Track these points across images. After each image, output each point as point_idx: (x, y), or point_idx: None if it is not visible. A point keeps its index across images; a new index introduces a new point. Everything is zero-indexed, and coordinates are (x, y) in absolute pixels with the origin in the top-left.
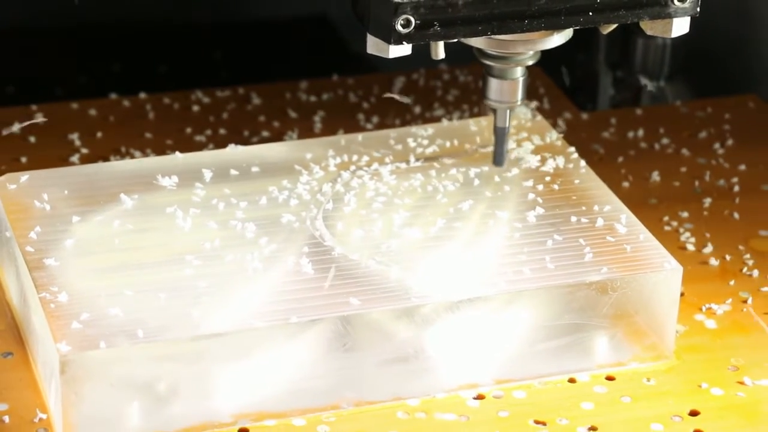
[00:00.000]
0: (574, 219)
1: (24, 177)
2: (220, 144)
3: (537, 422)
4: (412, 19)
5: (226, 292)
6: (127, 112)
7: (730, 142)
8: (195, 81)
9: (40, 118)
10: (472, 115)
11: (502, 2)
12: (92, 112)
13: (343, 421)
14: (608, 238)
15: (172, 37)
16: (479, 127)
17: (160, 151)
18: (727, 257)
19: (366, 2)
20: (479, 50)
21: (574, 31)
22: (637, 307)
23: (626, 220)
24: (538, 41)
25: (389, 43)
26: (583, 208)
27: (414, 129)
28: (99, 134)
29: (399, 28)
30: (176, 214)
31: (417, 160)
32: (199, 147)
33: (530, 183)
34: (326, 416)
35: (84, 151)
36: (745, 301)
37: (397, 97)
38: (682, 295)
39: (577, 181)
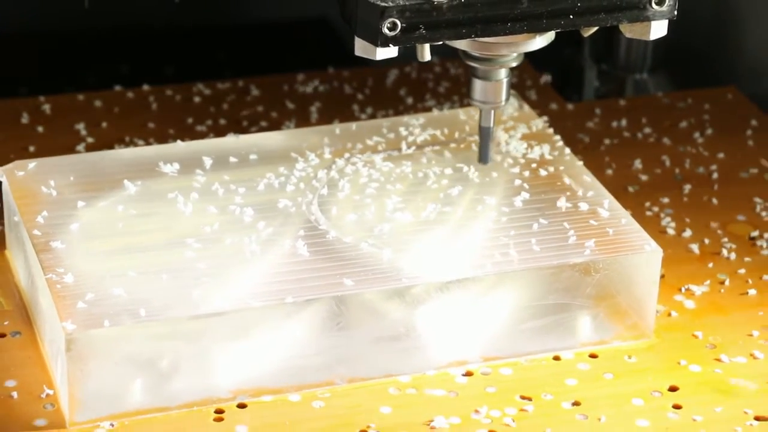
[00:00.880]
0: (559, 204)
1: (31, 164)
2: (221, 133)
3: (523, 398)
4: (398, 23)
5: (225, 274)
6: (131, 103)
7: (709, 131)
8: (197, 75)
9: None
10: (462, 106)
11: (485, 6)
12: (98, 103)
13: (337, 397)
14: (591, 222)
15: (177, 38)
16: (468, 116)
17: (163, 140)
18: (706, 241)
19: (353, 6)
20: (464, 52)
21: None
22: (618, 287)
23: (609, 205)
24: (521, 43)
25: (376, 45)
26: (568, 193)
27: (406, 118)
28: (104, 124)
29: (385, 31)
30: (177, 200)
31: (409, 147)
32: (200, 136)
33: (517, 170)
34: (321, 392)
35: (90, 140)
36: (722, 283)
37: None
38: (662, 276)
39: (562, 168)
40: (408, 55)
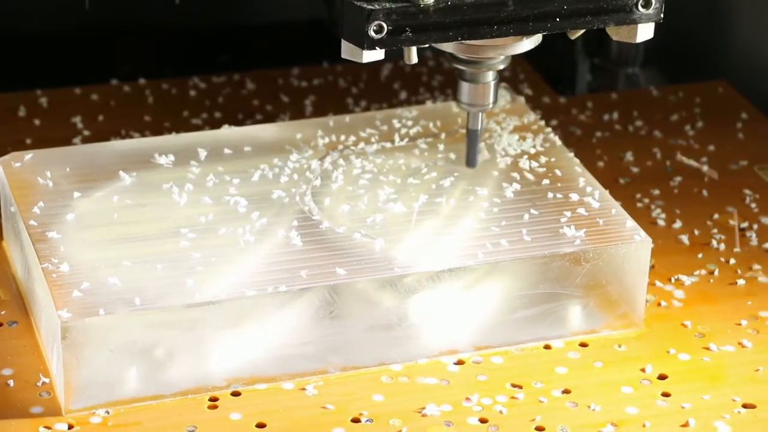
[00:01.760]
0: (550, 195)
1: (28, 155)
2: (216, 126)
3: (514, 386)
4: (385, 25)
5: (219, 263)
6: (127, 96)
7: (700, 124)
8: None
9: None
10: (455, 99)
11: (472, 9)
12: (94, 96)
13: (330, 385)
14: (582, 213)
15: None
16: (461, 108)
17: (159, 133)
18: (696, 232)
19: (340, 9)
20: (451, 55)
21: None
22: (609, 277)
23: (599, 196)
24: (508, 46)
25: (362, 48)
26: (559, 184)
27: (399, 111)
28: (100, 117)
29: (372, 33)
30: (172, 190)
31: (401, 139)
32: (196, 129)
33: (508, 161)
34: (314, 380)
35: (86, 133)
36: (711, 273)
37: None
38: (652, 267)
39: (553, 160)
40: (401, 49)
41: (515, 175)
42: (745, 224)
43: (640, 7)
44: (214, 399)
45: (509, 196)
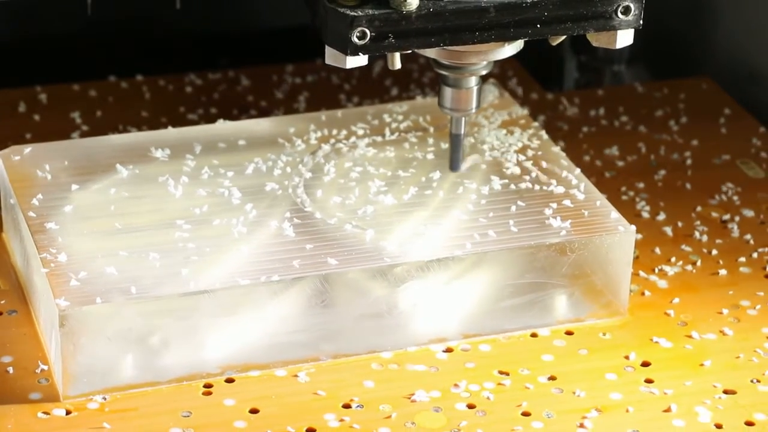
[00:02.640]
0: (536, 187)
1: (27, 149)
2: (211, 122)
3: (501, 372)
4: (368, 31)
5: (213, 253)
6: (125, 92)
7: (684, 119)
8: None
9: None
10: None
11: (453, 15)
12: (92, 92)
13: (322, 372)
14: (568, 204)
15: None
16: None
17: (156, 128)
18: (679, 224)
19: (323, 15)
20: (435, 61)
21: None
22: (593, 267)
23: (585, 188)
24: (490, 52)
25: (346, 54)
26: (545, 177)
27: (390, 106)
28: (99, 113)
29: (355, 39)
30: (168, 183)
31: (392, 133)
32: (192, 125)
33: (496, 154)
34: (306, 367)
35: (84, 128)
36: (694, 264)
37: None
38: (636, 257)
39: (540, 153)
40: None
41: (503, 168)
42: (727, 216)
43: (619, 14)
44: (208, 385)
45: (497, 189)
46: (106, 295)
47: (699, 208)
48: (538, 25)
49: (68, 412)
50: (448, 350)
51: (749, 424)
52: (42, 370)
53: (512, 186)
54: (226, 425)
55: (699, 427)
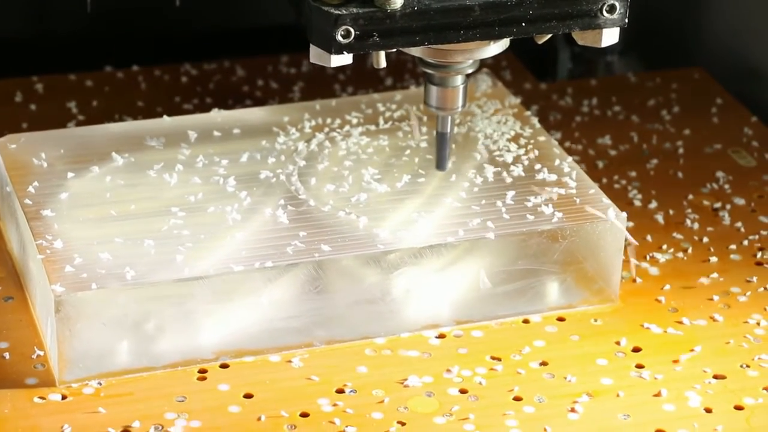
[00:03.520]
0: (528, 175)
1: (23, 138)
2: (207, 112)
3: (493, 358)
4: (352, 30)
5: (208, 240)
6: (120, 83)
7: (676, 109)
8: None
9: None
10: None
11: (438, 14)
12: (89, 83)
13: (316, 358)
14: (560, 192)
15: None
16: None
17: (151, 117)
18: (671, 212)
19: (308, 14)
20: (420, 59)
21: None
22: (585, 253)
23: (577, 176)
24: (475, 50)
25: (330, 52)
26: (538, 165)
27: (383, 95)
28: (95, 103)
29: (339, 38)
30: (163, 171)
31: (386, 122)
32: (187, 114)
33: (489, 143)
34: (300, 353)
35: (81, 117)
36: (685, 251)
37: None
38: (628, 244)
39: (533, 142)
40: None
41: (496, 156)
42: (718, 204)
43: (605, 12)
44: (203, 371)
45: (489, 176)
46: (102, 281)
47: (690, 197)
48: (523, 24)
49: (64, 397)
50: (441, 336)
51: (738, 408)
52: (38, 355)
53: (504, 174)
54: (221, 410)
55: (689, 411)
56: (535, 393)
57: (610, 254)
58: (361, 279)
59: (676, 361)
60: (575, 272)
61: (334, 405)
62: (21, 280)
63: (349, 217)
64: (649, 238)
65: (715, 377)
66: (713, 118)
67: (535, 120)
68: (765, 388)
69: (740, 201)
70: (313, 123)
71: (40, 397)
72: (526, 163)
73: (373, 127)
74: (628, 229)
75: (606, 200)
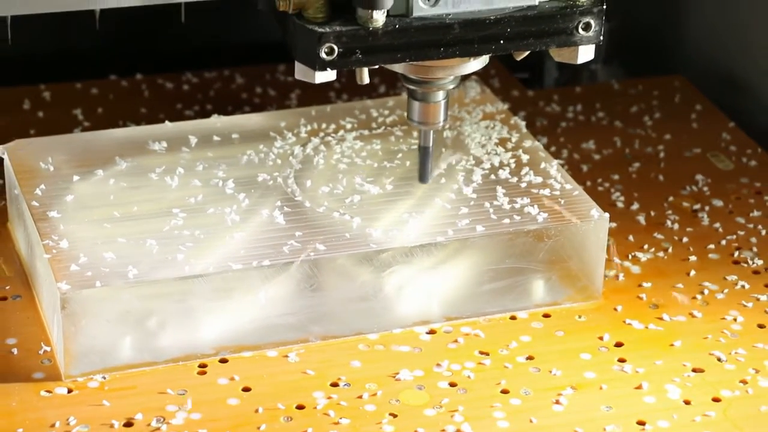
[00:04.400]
0: (515, 178)
1: (31, 143)
2: (207, 118)
3: (481, 353)
4: (336, 47)
5: (208, 240)
6: (124, 90)
7: (657, 115)
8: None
9: None
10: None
11: (418, 31)
12: (94, 90)
13: (311, 353)
14: (545, 193)
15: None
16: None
17: (153, 123)
18: (652, 213)
19: (293, 32)
20: (403, 75)
21: None
22: (570, 252)
23: (561, 178)
24: (456, 67)
25: (314, 69)
26: (524, 168)
27: (376, 101)
28: (100, 110)
29: (323, 55)
30: (165, 174)
31: (379, 127)
32: (188, 120)
33: (477, 147)
34: (296, 348)
35: (86, 124)
36: (666, 250)
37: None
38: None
39: (520, 145)
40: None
41: (484, 159)
42: (697, 206)
43: (580, 30)
44: (203, 365)
45: (478, 179)
46: (106, 279)
47: (671, 198)
48: (502, 41)
49: (70, 391)
50: (431, 332)
51: (716, 400)
52: (45, 351)
53: (492, 176)
54: (220, 402)
55: (669, 403)
56: (521, 386)
57: (593, 253)
58: (355, 277)
59: (656, 356)
60: (560, 271)
61: (329, 398)
62: (28, 279)
63: (343, 218)
64: (631, 238)
65: (694, 371)
66: (693, 124)
67: (522, 124)
68: (741, 381)
69: (718, 203)
70: (309, 128)
71: (47, 391)
72: (513, 165)
73: (366, 132)
74: (610, 229)
75: (592, 203)
